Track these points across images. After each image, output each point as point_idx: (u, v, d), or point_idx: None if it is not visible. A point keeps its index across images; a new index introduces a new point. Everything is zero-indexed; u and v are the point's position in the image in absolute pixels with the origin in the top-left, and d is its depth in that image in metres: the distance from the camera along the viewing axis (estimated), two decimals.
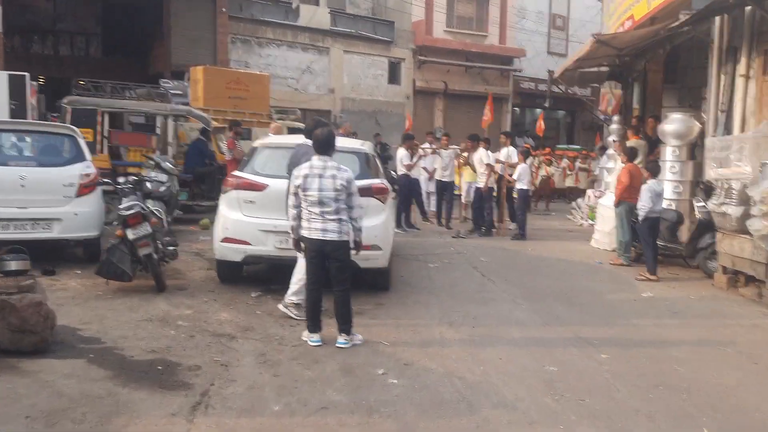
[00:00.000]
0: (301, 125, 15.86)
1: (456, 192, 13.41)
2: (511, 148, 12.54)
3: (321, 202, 5.06)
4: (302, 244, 5.31)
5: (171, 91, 15.44)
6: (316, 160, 5.17)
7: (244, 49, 20.43)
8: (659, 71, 14.50)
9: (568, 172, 21.21)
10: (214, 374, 4.47)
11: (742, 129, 9.36)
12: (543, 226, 14.11)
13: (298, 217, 5.22)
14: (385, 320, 6.08)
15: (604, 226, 10.82)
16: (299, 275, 5.75)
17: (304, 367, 4.70)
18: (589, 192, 14.27)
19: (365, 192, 6.35)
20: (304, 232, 5.20)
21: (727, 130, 9.67)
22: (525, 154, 12.09)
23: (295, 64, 21.50)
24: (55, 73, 20.04)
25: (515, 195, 12.38)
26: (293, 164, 5.73)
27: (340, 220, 5.13)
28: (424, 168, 13.02)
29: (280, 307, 5.92)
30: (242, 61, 20.38)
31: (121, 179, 7.10)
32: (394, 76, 23.85)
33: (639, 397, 4.48)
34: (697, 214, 8.91)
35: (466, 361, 5.00)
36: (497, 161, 12.18)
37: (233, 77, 14.46)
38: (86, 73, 18.28)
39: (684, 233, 9.94)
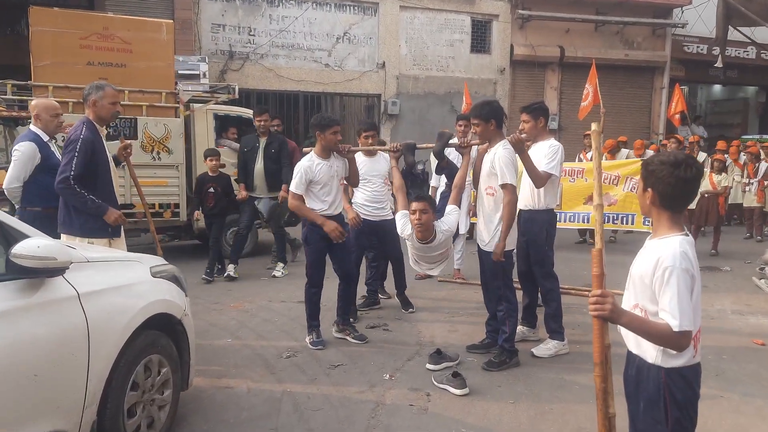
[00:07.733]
0: (247, 111, 9.32)
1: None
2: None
3: None
4: None
5: None
6: None
7: (247, 9, 14.29)
8: None
9: (747, 181, 12.40)
10: None
11: None
12: None
13: None
14: None
15: None
16: None
17: None
18: None
19: None
20: None
21: None
22: None
23: (327, 30, 14.94)
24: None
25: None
26: None
27: None
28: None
29: None
30: (244, 27, 14.28)
31: None
32: (480, 42, 16.36)
33: None
34: None
35: None
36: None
37: (96, 26, 7.97)
38: None
39: None
